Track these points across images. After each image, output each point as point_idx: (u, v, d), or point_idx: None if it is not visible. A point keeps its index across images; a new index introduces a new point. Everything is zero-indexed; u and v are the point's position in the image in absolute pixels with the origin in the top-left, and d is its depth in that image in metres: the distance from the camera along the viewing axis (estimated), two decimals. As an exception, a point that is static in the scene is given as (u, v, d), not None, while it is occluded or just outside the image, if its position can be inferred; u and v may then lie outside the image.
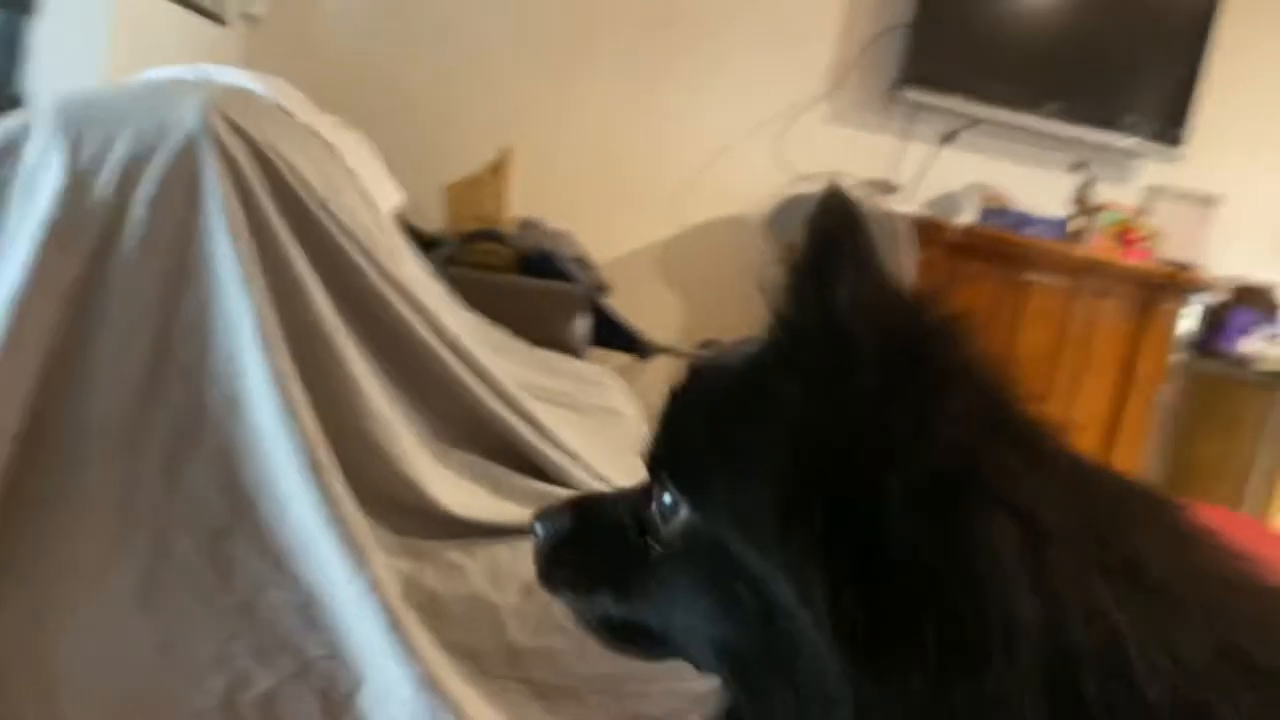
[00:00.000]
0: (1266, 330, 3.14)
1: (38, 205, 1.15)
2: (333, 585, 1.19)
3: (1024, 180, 3.27)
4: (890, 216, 3.08)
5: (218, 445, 1.19)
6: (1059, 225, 3.12)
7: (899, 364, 0.50)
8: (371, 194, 1.54)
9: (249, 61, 2.71)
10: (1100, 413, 3.09)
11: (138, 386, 1.18)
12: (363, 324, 1.30)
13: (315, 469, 1.17)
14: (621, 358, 2.94)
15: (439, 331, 1.36)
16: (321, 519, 1.18)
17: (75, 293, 1.16)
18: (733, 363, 0.61)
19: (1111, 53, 3.25)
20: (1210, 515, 0.55)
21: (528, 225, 2.99)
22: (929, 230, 3.04)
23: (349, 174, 1.49)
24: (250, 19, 2.93)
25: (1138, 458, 3.11)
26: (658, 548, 0.60)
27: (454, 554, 1.29)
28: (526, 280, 2.77)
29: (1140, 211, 3.20)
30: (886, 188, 3.28)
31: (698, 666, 0.64)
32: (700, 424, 0.59)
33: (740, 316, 3.03)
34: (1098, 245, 3.09)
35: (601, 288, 2.98)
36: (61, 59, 2.02)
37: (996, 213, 3.20)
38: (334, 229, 1.27)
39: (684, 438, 0.60)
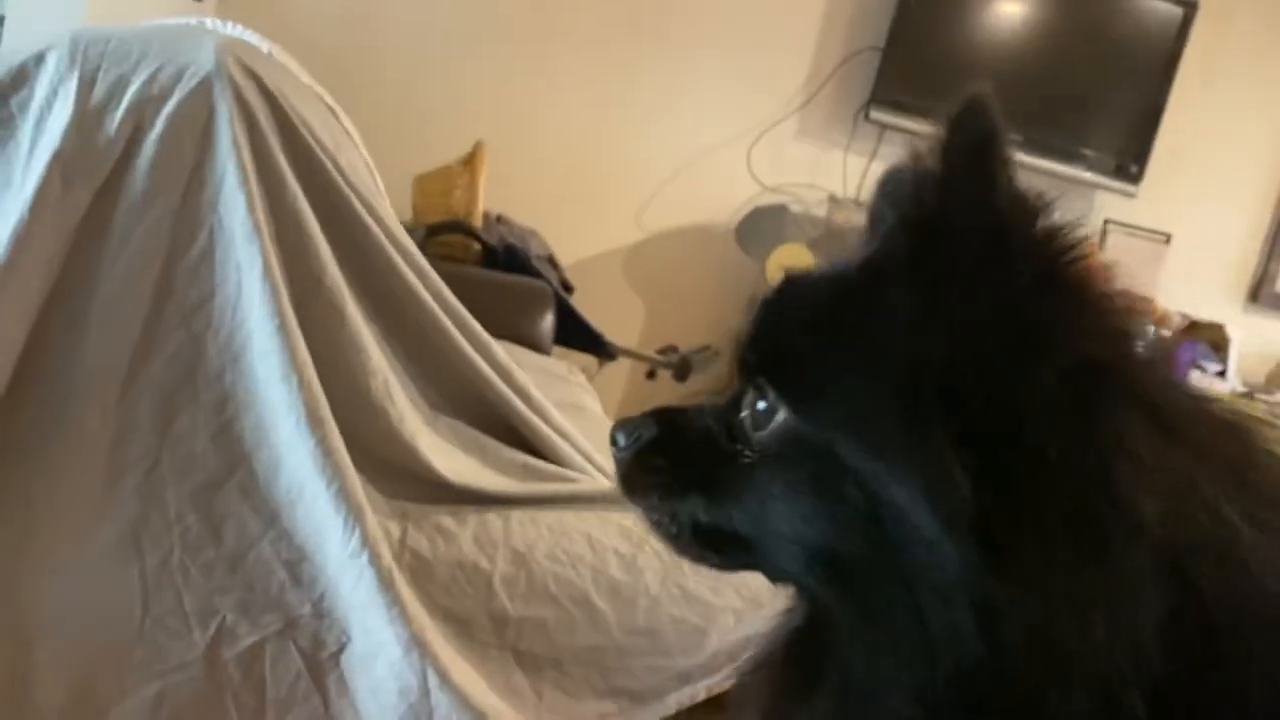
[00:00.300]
0: (1214, 367, 3.23)
1: (47, 138, 1.12)
2: (325, 542, 1.18)
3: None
4: (859, 233, 3.13)
5: (215, 394, 1.17)
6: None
7: (1050, 257, 0.51)
8: (370, 162, 1.53)
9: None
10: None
11: (136, 330, 1.16)
12: (365, 280, 1.28)
13: (315, 423, 1.15)
14: (582, 358, 2.94)
15: (439, 296, 1.35)
16: (318, 473, 1.16)
17: (79, 229, 1.13)
18: (836, 270, 0.61)
19: (1075, 88, 3.34)
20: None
21: (497, 221, 2.98)
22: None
23: (349, 136, 1.47)
24: (224, -1, 2.90)
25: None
26: (750, 453, 0.60)
27: (444, 519, 1.28)
28: (494, 274, 2.76)
29: (1095, 245, 3.28)
30: (851, 205, 3.33)
31: (778, 577, 0.64)
32: (807, 329, 0.60)
33: (702, 323, 3.06)
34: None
35: (568, 287, 2.98)
36: (38, 25, 1.99)
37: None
38: (341, 183, 1.26)
39: (786, 343, 0.61)
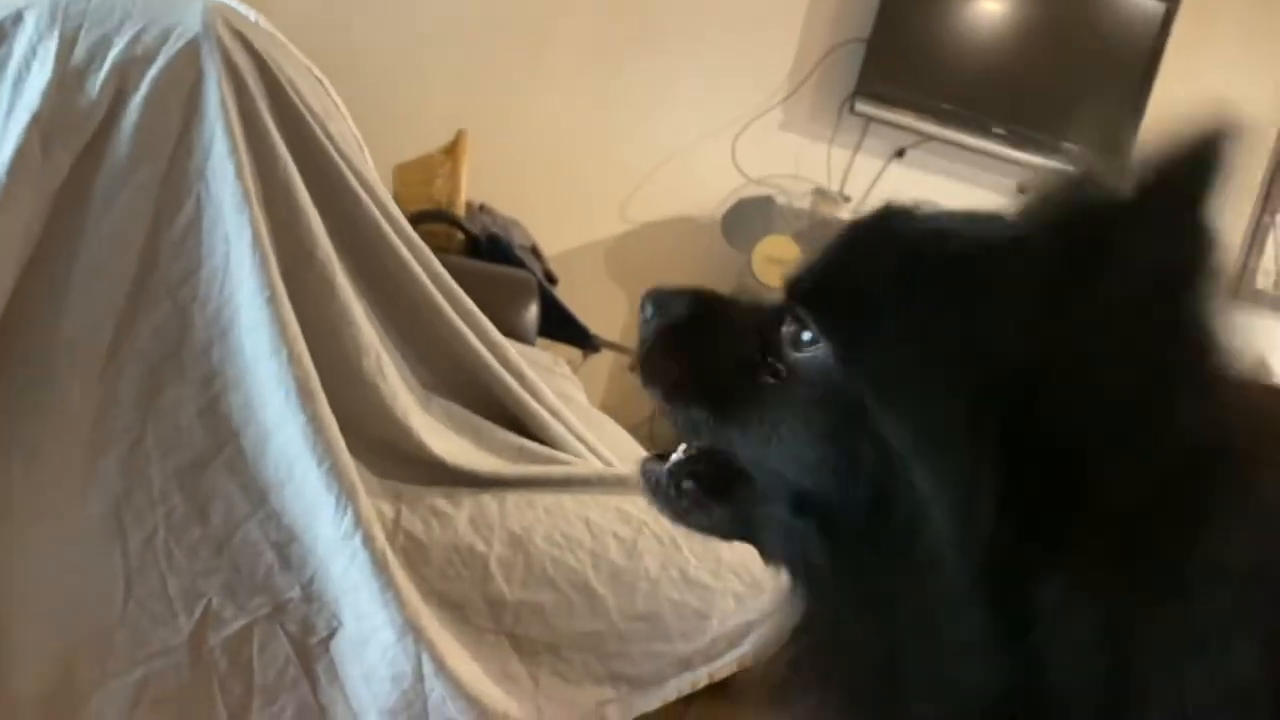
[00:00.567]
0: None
1: (26, 100, 1.08)
2: (315, 522, 1.13)
3: (970, 199, 3.29)
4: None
5: (202, 369, 1.12)
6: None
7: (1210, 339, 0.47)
8: (359, 136, 1.49)
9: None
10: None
11: (119, 301, 1.11)
12: (357, 253, 1.24)
13: (306, 398, 1.11)
14: (566, 350, 2.90)
15: (432, 272, 1.31)
16: (309, 451, 1.12)
17: (59, 195, 1.09)
18: (940, 226, 0.56)
19: (1057, 82, 3.34)
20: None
21: (479, 210, 2.94)
22: (877, 242, 3.07)
23: (338, 107, 1.43)
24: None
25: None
26: (777, 374, 0.56)
27: (439, 501, 1.24)
28: (477, 263, 2.72)
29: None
30: (836, 198, 3.31)
31: (770, 548, 0.60)
32: (886, 282, 0.54)
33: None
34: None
35: (551, 277, 2.94)
36: None
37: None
38: (332, 151, 1.21)
39: (856, 286, 0.55)
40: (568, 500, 1.31)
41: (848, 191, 3.36)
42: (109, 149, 1.10)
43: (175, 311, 1.12)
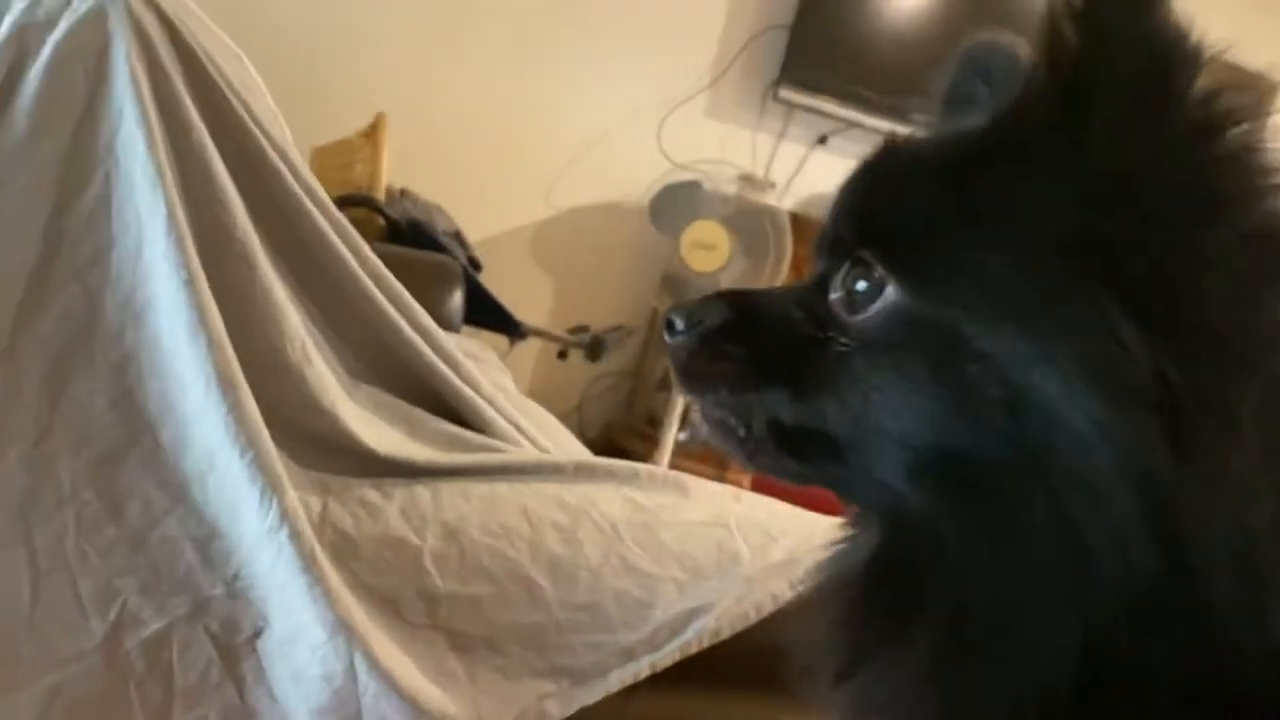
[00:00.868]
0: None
1: (-88, 68, 1.00)
2: (239, 517, 1.07)
3: (893, 185, 3.34)
4: (771, 210, 3.11)
5: (114, 357, 1.05)
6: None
7: (1216, 111, 0.45)
8: (279, 114, 1.42)
9: None
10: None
11: (19, 284, 1.04)
12: (279, 233, 1.18)
13: (227, 387, 1.05)
14: (492, 337, 2.85)
15: (359, 254, 1.26)
16: (230, 442, 1.06)
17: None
18: (948, 135, 0.54)
19: (980, 68, 3.37)
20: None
21: (400, 195, 2.87)
22: (801, 227, 3.09)
23: (257, 83, 1.37)
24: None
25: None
26: (845, 341, 0.52)
27: (369, 492, 1.19)
28: (401, 249, 2.65)
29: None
30: (763, 184, 3.30)
31: (866, 492, 0.56)
32: (924, 196, 0.51)
33: (614, 302, 3.01)
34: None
35: (476, 264, 2.89)
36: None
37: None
38: (252, 126, 1.15)
39: (898, 212, 0.53)
40: (504, 489, 1.26)
41: (773, 178, 3.36)
42: (7, 121, 1.03)
43: (84, 295, 1.05)
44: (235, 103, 1.14)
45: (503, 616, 1.19)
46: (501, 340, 2.89)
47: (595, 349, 3.05)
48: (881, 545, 0.55)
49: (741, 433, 0.59)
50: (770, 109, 3.36)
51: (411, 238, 2.70)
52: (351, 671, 1.07)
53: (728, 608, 1.25)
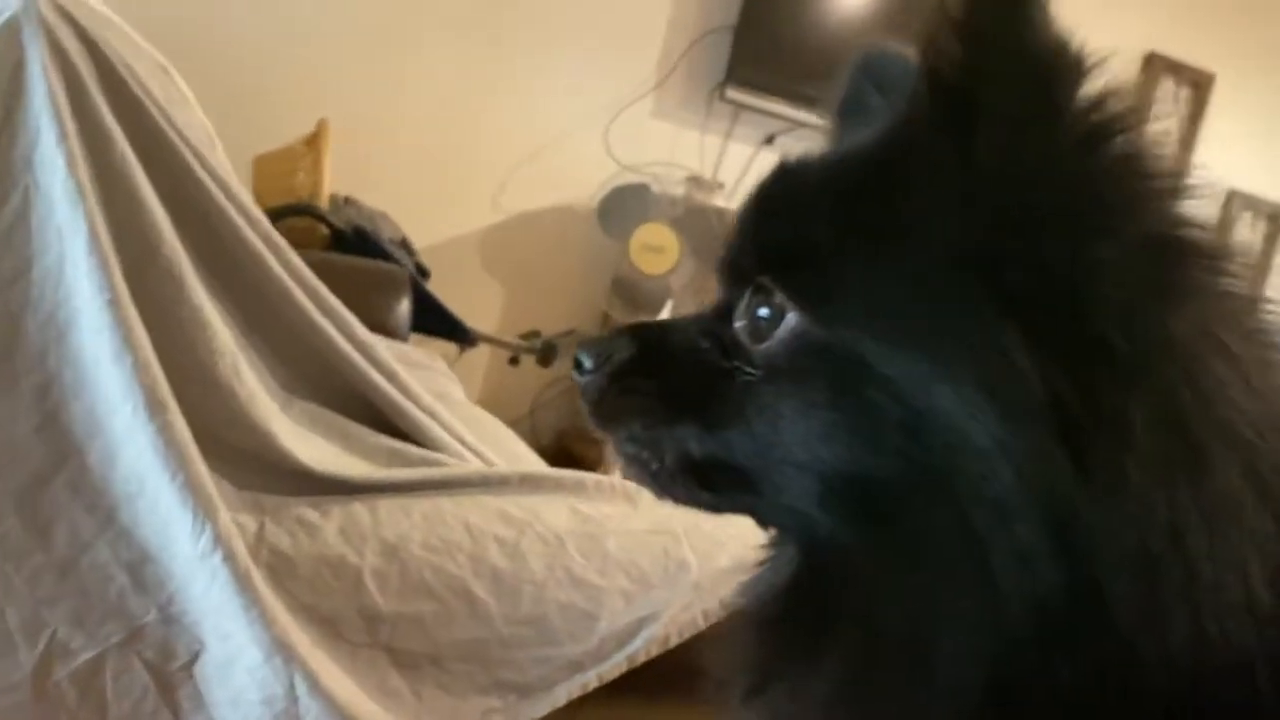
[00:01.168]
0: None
1: None
2: (171, 540, 1.05)
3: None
4: (720, 211, 3.11)
5: (37, 379, 1.03)
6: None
7: (1102, 116, 0.44)
8: (209, 126, 1.39)
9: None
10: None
11: (-64, 308, 1.01)
12: (207, 249, 1.15)
13: (155, 407, 1.03)
14: (441, 345, 2.83)
15: (291, 268, 1.24)
16: (160, 464, 1.03)
17: None
18: (841, 153, 0.54)
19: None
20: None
21: (345, 203, 2.83)
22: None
23: (185, 96, 1.34)
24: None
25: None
26: (750, 370, 0.52)
27: (306, 511, 1.16)
28: (345, 257, 2.62)
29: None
30: (711, 185, 3.30)
31: (778, 518, 0.56)
32: (818, 217, 0.51)
33: (565, 306, 2.99)
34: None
35: (423, 271, 2.86)
36: None
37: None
38: (176, 141, 1.13)
39: (793, 235, 0.52)
40: (446, 503, 1.25)
41: (721, 178, 3.36)
42: (-83, 140, 1.00)
43: (3, 317, 1.02)
44: (158, 116, 1.11)
45: (446, 633, 1.18)
46: (451, 348, 2.86)
47: (547, 354, 3.03)
48: (798, 567, 0.55)
49: (654, 466, 0.58)
50: (717, 110, 3.36)
51: (357, 246, 2.67)
52: (292, 694, 1.06)
53: (675, 615, 1.24)
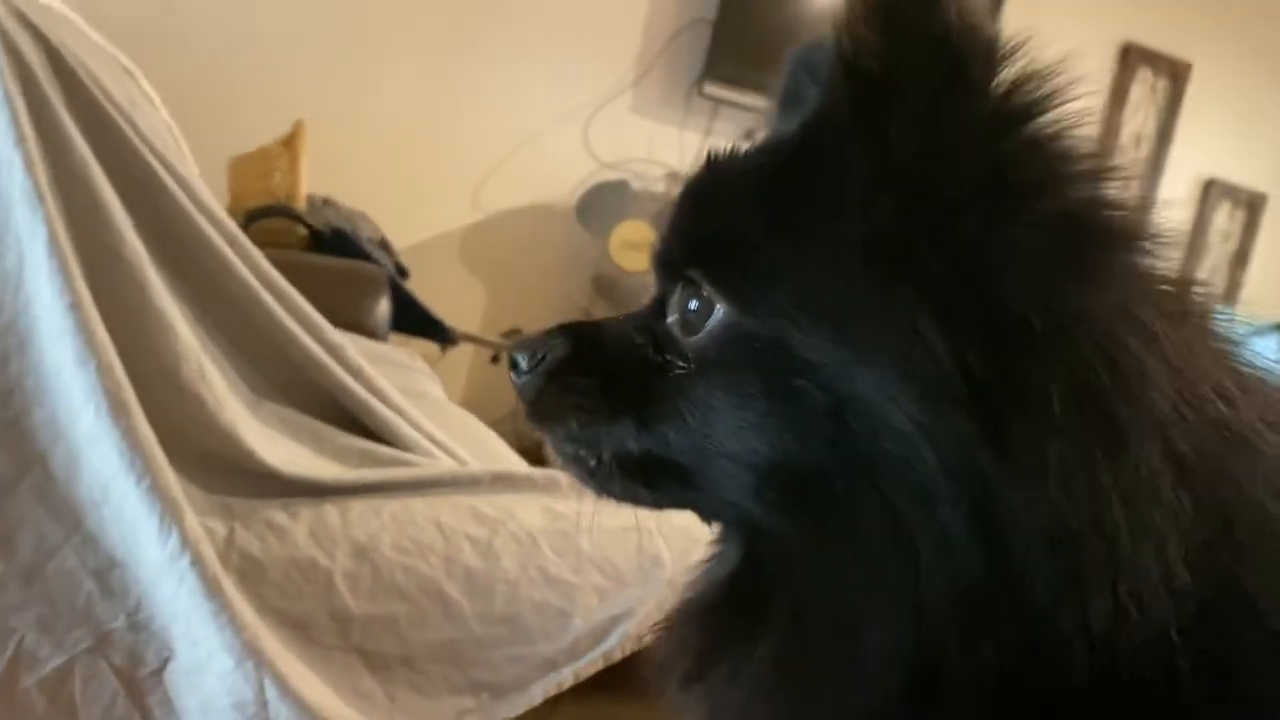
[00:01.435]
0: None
1: None
2: (138, 546, 1.04)
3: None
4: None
5: (-2, 385, 1.02)
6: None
7: (1017, 98, 0.44)
8: (175, 128, 1.38)
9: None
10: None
11: (-106, 315, 1.00)
12: (170, 252, 1.14)
13: (119, 412, 1.02)
14: (422, 345, 2.82)
15: (258, 271, 1.23)
16: (126, 469, 1.03)
17: None
18: (767, 143, 0.54)
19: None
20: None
21: (323, 203, 2.82)
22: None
23: (149, 99, 1.33)
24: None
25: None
26: (682, 364, 0.52)
27: (275, 514, 1.16)
28: (324, 258, 2.61)
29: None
30: (690, 180, 3.29)
31: (717, 511, 0.56)
32: (742, 209, 0.51)
33: (545, 304, 2.98)
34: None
35: (402, 270, 2.85)
36: None
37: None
38: (138, 143, 1.12)
39: (719, 228, 0.53)
40: (417, 504, 1.24)
41: (701, 174, 3.35)
42: None
43: (-37, 323, 1.02)
44: (120, 121, 1.11)
45: (419, 634, 1.17)
46: (432, 348, 2.85)
47: (528, 353, 3.02)
48: (740, 559, 0.55)
49: (592, 464, 0.58)
50: (696, 105, 3.36)
51: (335, 246, 2.66)
52: (262, 698, 1.05)
53: (650, 612, 1.24)
